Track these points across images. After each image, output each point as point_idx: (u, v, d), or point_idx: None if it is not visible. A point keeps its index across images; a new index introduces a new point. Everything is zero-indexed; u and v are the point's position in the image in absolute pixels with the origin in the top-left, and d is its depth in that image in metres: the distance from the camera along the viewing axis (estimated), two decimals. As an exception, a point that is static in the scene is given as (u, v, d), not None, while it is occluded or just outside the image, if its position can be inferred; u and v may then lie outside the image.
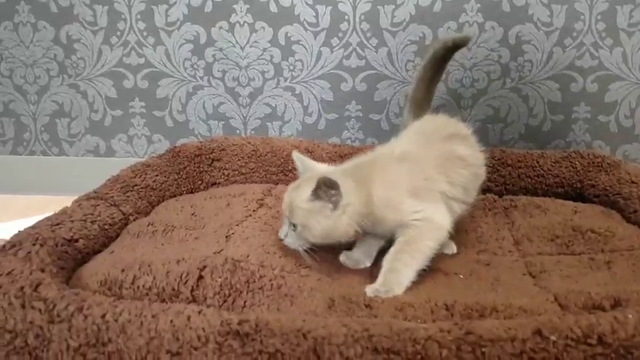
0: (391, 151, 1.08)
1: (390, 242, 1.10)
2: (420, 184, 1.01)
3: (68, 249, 1.01)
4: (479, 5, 1.61)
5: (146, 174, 1.40)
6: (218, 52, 1.71)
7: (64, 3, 1.71)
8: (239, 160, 1.56)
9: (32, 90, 1.79)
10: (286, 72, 1.71)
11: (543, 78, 1.65)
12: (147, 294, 0.91)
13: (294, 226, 1.00)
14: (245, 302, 0.91)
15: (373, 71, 1.69)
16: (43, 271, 0.88)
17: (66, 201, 1.21)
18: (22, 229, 1.03)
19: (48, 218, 1.09)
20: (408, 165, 1.03)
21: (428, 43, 1.64)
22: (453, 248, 1.13)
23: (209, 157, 1.55)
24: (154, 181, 1.40)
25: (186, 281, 0.92)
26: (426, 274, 1.02)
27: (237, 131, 1.77)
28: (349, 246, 1.07)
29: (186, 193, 1.49)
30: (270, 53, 1.70)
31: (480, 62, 1.65)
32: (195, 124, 1.78)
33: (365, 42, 1.67)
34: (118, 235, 1.17)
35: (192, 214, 1.28)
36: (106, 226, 1.16)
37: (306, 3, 1.65)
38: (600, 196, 1.40)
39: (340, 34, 1.67)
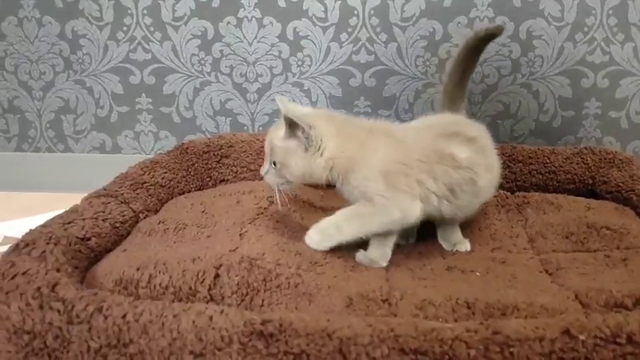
0: (389, 127, 1.09)
1: (406, 239, 1.13)
2: (394, 168, 1.01)
3: (81, 247, 1.00)
4: (490, 0, 1.60)
5: (155, 171, 1.39)
6: (226, 48, 1.70)
7: (69, -2, 1.70)
8: (247, 156, 1.55)
9: (37, 86, 1.78)
10: (295, 67, 1.70)
11: (554, 73, 1.64)
12: (163, 293, 0.90)
13: (274, 164, 1.04)
14: (263, 301, 0.89)
15: (382, 67, 1.67)
16: (58, 270, 0.86)
17: (72, 198, 1.20)
18: (28, 226, 1.01)
19: (59, 216, 1.08)
20: (393, 141, 1.04)
21: (438, 38, 1.63)
22: (467, 246, 1.13)
23: (217, 154, 1.53)
24: (162, 178, 1.39)
25: (203, 280, 0.91)
26: (442, 271, 1.03)
27: (245, 127, 1.75)
28: (365, 245, 1.06)
29: (195, 190, 1.47)
30: (279, 49, 1.68)
31: (491, 57, 1.63)
32: (203, 120, 1.76)
33: (374, 37, 1.65)
34: (129, 233, 1.16)
35: (203, 212, 1.26)
36: (117, 224, 1.14)
37: (315, -3, 1.66)
38: (613, 192, 1.39)
39: (349, 29, 1.65)
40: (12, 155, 1.83)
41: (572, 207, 1.31)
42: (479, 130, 1.14)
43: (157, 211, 1.30)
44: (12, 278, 0.80)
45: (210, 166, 1.53)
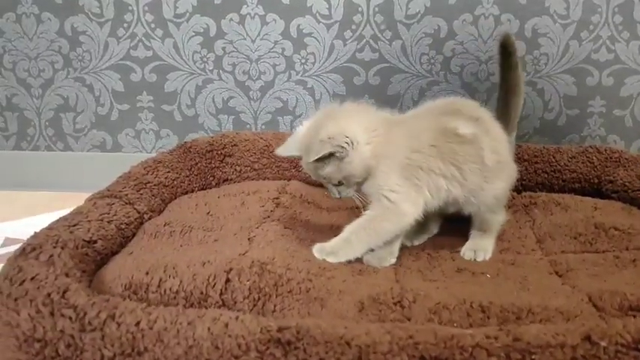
0: (396, 117, 1.12)
1: (411, 239, 1.14)
2: (412, 158, 1.03)
3: (88, 251, 0.99)
4: (495, -3, 1.60)
5: (158, 170, 1.38)
6: (228, 45, 1.69)
7: (69, -6, 1.68)
8: (251, 155, 1.54)
9: (36, 83, 1.76)
10: (298, 65, 1.69)
11: (559, 72, 1.63)
12: (174, 298, 0.89)
13: (339, 184, 1.04)
14: (275, 306, 0.88)
15: (387, 64, 1.67)
16: (67, 275, 0.85)
17: (71, 197, 1.19)
18: (30, 227, 1.00)
19: (64, 218, 1.06)
20: (407, 130, 1.06)
21: (443, 36, 1.63)
22: (486, 255, 1.11)
23: (221, 153, 1.53)
24: (165, 178, 1.38)
25: (215, 284, 0.89)
26: (453, 273, 1.02)
27: (248, 126, 1.75)
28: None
29: (198, 190, 1.47)
30: (282, 46, 1.68)
31: (496, 55, 1.56)
32: (205, 118, 1.75)
33: (379, 35, 1.65)
34: (134, 235, 1.15)
35: (208, 214, 1.26)
36: (122, 226, 1.13)
37: (319, -6, 1.63)
38: (619, 192, 1.39)
39: (353, 27, 1.65)
40: (10, 154, 1.82)
41: (580, 207, 1.31)
42: (484, 112, 1.12)
43: (160, 212, 1.30)
44: (20, 284, 0.79)
45: (213, 166, 1.52)
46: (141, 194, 1.27)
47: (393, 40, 1.65)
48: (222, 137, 1.55)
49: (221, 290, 0.89)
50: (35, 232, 0.98)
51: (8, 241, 1.38)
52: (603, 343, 0.69)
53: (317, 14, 1.64)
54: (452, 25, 1.62)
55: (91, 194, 1.19)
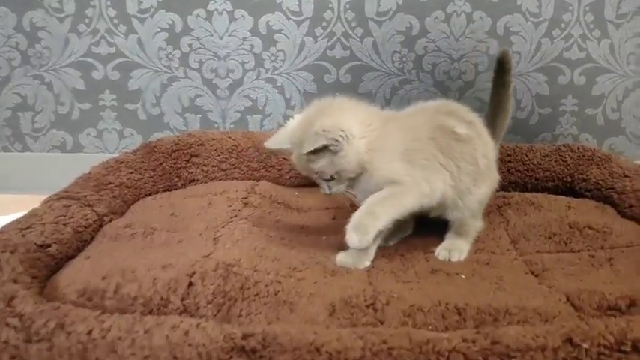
0: (392, 115, 1.11)
1: (387, 239, 1.11)
2: (413, 146, 1.04)
3: (41, 255, 0.94)
4: (467, -6, 1.60)
5: (120, 171, 1.35)
6: (195, 42, 1.65)
7: (27, -13, 1.62)
8: (219, 155, 1.51)
9: (-8, 81, 1.69)
10: (267, 63, 1.66)
11: (531, 70, 1.64)
12: (132, 304, 0.83)
13: (332, 178, 1.02)
14: (241, 311, 0.84)
15: (358, 62, 1.65)
16: (15, 281, 0.79)
17: (30, 200, 1.15)
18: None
19: (17, 221, 1.02)
20: (402, 124, 1.07)
21: (415, 33, 1.62)
22: (461, 255, 1.09)
23: (187, 153, 1.50)
24: (128, 179, 1.35)
25: (176, 289, 0.85)
26: (427, 273, 1.00)
27: (216, 125, 1.71)
28: (345, 245, 1.03)
29: (163, 191, 1.44)
30: (251, 43, 1.65)
31: (468, 54, 1.62)
32: (171, 117, 1.71)
33: (350, 32, 1.63)
34: (92, 239, 1.11)
35: (172, 215, 1.22)
36: (80, 229, 1.09)
37: (289, -10, 1.61)
38: (592, 190, 1.39)
39: (324, 24, 1.62)
40: (-35, 155, 1.74)
41: (553, 207, 1.31)
42: (475, 117, 1.14)
43: (122, 214, 1.26)
44: (-36, 291, 0.73)
45: (179, 166, 1.49)
46: (101, 196, 1.24)
47: (365, 38, 1.63)
48: (189, 137, 1.52)
49: (183, 295, 0.84)
50: (-16, 236, 0.93)
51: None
52: (585, 345, 0.67)
53: (287, 10, 1.62)
54: (424, 22, 1.61)
55: (48, 196, 1.15)
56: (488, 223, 1.22)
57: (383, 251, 1.08)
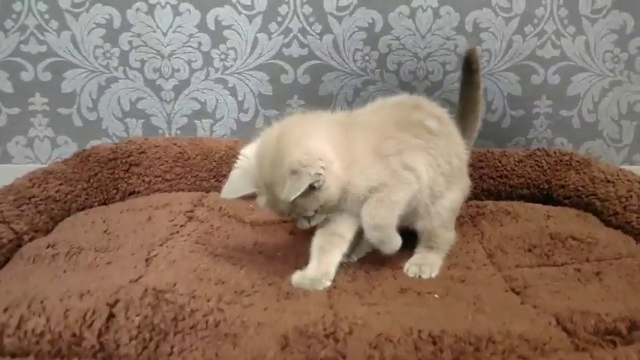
0: (350, 119, 1.05)
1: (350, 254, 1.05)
2: (380, 140, 0.98)
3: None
4: (433, -12, 1.54)
5: (47, 183, 1.27)
6: (135, 39, 1.57)
7: (-56, -21, 1.51)
8: (162, 164, 1.45)
9: None
10: (217, 62, 1.59)
11: (502, 69, 1.59)
12: (37, 342, 0.73)
13: (315, 212, 0.95)
14: (172, 348, 0.75)
15: (317, 61, 1.58)
16: None
17: None
18: None
19: None
20: (363, 127, 1.01)
21: (378, 30, 1.56)
22: (433, 272, 1.04)
23: (126, 162, 1.44)
24: (56, 192, 1.27)
25: (92, 323, 0.75)
26: (395, 294, 0.94)
27: (160, 131, 1.64)
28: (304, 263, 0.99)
29: (98, 205, 1.37)
30: (198, 40, 1.57)
31: (435, 52, 1.57)
32: (109, 123, 1.63)
33: (307, 28, 1.56)
34: (8, 260, 1.04)
35: (105, 232, 1.15)
36: (-7, 249, 1.02)
37: (240, -19, 1.56)
38: (572, 197, 1.36)
39: (279, 19, 1.56)
40: None
41: (531, 216, 1.27)
42: (442, 112, 1.11)
43: (48, 232, 1.19)
44: None
45: (117, 176, 1.43)
46: (22, 211, 1.16)
47: (324, 35, 1.56)
48: (128, 144, 1.48)
49: (100, 330, 0.74)
50: None
51: None
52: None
53: (237, 4, 1.55)
54: (387, 18, 1.55)
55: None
56: (461, 235, 1.17)
57: (345, 269, 1.02)
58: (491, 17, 1.54)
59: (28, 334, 0.73)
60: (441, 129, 1.04)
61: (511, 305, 0.89)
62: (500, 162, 1.46)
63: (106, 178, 1.39)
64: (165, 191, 1.43)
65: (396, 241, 0.96)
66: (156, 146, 1.45)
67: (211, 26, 1.56)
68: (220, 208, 1.29)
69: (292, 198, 0.87)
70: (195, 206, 1.30)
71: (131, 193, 1.42)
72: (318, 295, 0.92)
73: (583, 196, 1.32)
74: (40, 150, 1.63)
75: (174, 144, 1.46)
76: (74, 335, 0.73)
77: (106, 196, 1.39)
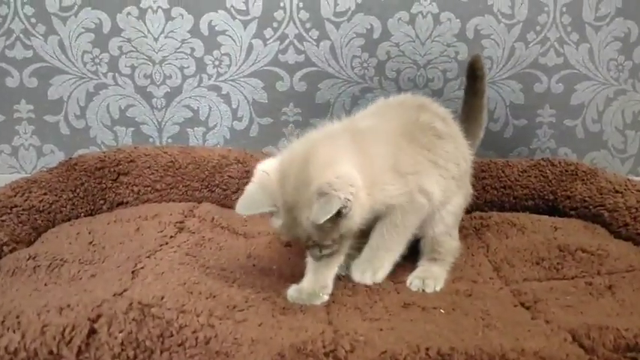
0: (355, 126, 1.02)
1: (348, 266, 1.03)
2: (397, 157, 0.97)
3: None
4: (434, -6, 1.52)
5: (30, 192, 1.25)
6: (126, 44, 1.55)
7: None
8: (152, 173, 1.42)
9: None
10: (210, 68, 1.57)
11: (504, 77, 1.57)
12: None
13: (333, 241, 0.92)
14: None
15: (314, 68, 1.56)
16: None
17: None
18: None
19: None
20: (375, 138, 0.99)
21: (376, 36, 1.54)
22: (437, 285, 1.01)
23: (114, 171, 1.41)
24: (40, 202, 1.24)
25: (71, 339, 0.71)
26: (399, 309, 0.91)
27: (151, 139, 1.61)
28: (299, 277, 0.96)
29: (85, 216, 1.34)
30: (191, 45, 1.55)
31: (435, 59, 1.55)
32: (98, 131, 1.60)
33: (304, 34, 1.54)
34: None
35: (90, 243, 1.12)
36: (-29, 261, 0.99)
37: (234, -14, 1.54)
38: (578, 208, 1.34)
39: (275, 24, 1.54)
40: None
41: (537, 228, 1.23)
42: (446, 113, 1.09)
43: (30, 243, 1.16)
44: None
45: (104, 186, 1.39)
46: (2, 221, 1.14)
47: (321, 41, 1.54)
48: (117, 152, 1.46)
49: (80, 347, 0.71)
50: None
51: None
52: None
53: (232, 9, 1.53)
54: (386, 24, 1.53)
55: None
56: (465, 247, 1.15)
57: (345, 282, 0.99)
58: (493, 24, 1.52)
59: (0, 351, 0.69)
60: (448, 130, 1.03)
61: (522, 321, 0.86)
62: (503, 172, 1.44)
63: (93, 187, 1.37)
64: (155, 201, 1.41)
65: (386, 272, 0.98)
66: (145, 155, 1.42)
67: (204, 31, 1.55)
68: (212, 218, 1.26)
69: (322, 221, 0.83)
70: (185, 217, 1.27)
71: (119, 204, 1.40)
72: (315, 310, 0.89)
73: (590, 207, 1.30)
74: (24, 159, 1.61)
75: (165, 152, 1.44)
76: (51, 353, 0.70)
77: (92, 207, 1.36)
